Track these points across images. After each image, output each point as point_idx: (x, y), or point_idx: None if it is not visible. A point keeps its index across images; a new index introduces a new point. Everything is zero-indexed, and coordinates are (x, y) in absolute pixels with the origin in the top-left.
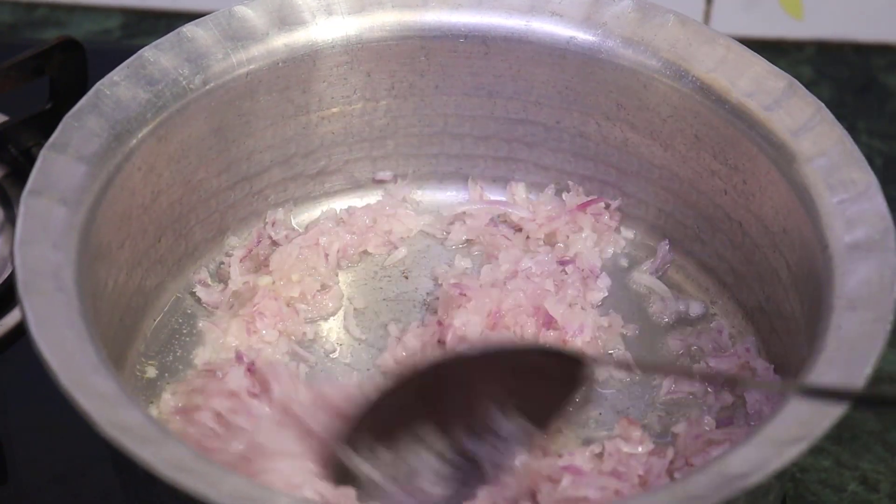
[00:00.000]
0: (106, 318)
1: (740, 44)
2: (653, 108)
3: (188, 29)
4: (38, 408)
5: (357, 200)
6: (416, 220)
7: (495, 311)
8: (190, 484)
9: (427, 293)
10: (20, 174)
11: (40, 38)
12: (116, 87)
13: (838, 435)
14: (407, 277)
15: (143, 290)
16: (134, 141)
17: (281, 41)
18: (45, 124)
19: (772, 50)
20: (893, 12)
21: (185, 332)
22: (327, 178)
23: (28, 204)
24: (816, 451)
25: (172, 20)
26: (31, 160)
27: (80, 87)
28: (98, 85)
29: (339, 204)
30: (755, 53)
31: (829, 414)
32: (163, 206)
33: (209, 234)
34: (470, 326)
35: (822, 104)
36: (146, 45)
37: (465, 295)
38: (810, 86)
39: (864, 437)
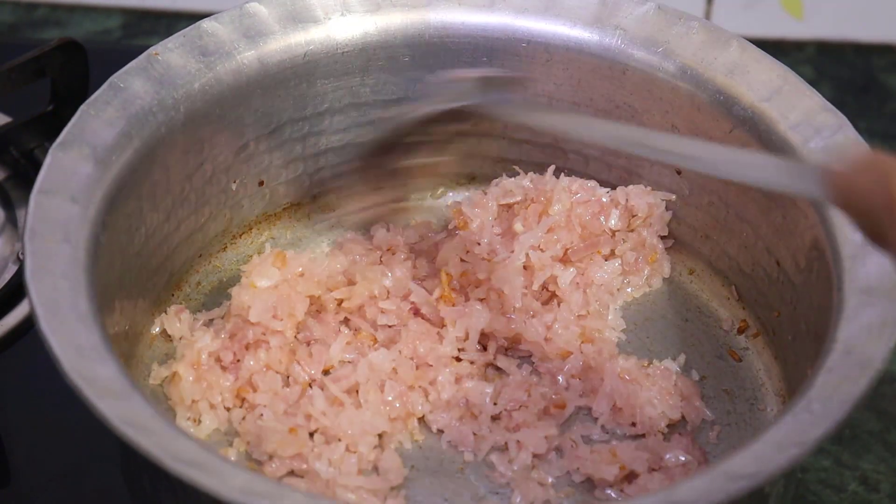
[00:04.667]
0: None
1: (798, 76)
2: (704, 133)
3: (251, 5)
4: (38, 407)
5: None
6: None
7: None
8: (198, 478)
9: None
10: (22, 176)
11: (40, 38)
12: (169, 54)
13: (838, 435)
14: None
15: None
16: (179, 109)
17: (341, 28)
18: (46, 126)
19: (772, 50)
20: (893, 12)
21: None
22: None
23: (55, 156)
24: (816, 450)
25: (173, 20)
26: (34, 162)
27: (81, 88)
28: (149, 50)
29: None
30: (810, 87)
31: (832, 418)
32: (206, 176)
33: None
34: None
35: (864, 143)
36: (147, 45)
37: None
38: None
39: (864, 437)
